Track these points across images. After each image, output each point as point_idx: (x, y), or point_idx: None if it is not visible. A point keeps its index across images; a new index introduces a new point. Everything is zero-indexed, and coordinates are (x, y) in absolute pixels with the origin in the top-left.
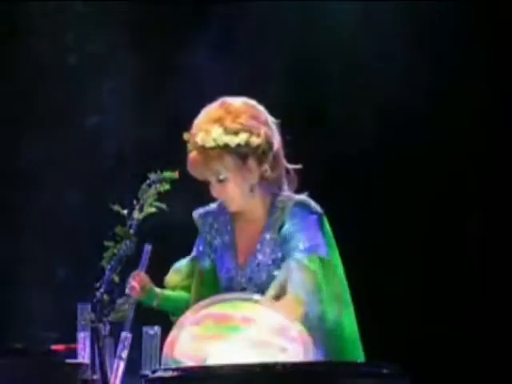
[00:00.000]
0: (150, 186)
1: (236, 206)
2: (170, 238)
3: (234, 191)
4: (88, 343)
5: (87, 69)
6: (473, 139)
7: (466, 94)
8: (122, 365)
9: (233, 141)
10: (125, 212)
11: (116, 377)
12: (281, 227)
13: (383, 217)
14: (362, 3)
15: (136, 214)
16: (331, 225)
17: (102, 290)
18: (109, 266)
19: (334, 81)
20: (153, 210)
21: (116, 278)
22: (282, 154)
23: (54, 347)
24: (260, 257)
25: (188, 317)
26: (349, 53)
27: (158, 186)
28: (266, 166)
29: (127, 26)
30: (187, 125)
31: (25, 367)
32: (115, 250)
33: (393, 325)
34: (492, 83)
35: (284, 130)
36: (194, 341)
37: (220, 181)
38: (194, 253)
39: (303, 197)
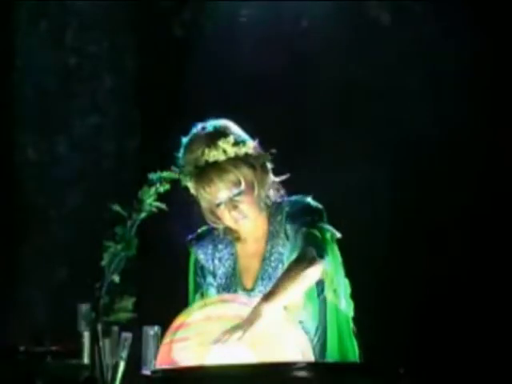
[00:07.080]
0: (150, 186)
1: (249, 224)
2: None
3: (250, 205)
4: (88, 343)
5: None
6: None
7: None
8: (122, 365)
9: (242, 150)
10: (125, 212)
11: (116, 377)
12: (285, 230)
13: None
14: None
15: (136, 215)
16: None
17: (102, 290)
18: (109, 266)
19: None
20: (153, 210)
21: (116, 278)
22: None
23: (53, 347)
24: (268, 272)
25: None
26: None
27: (157, 185)
28: (271, 176)
29: None
30: None
31: (25, 367)
32: (115, 250)
33: (393, 324)
34: None
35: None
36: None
37: (235, 195)
38: (200, 285)
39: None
